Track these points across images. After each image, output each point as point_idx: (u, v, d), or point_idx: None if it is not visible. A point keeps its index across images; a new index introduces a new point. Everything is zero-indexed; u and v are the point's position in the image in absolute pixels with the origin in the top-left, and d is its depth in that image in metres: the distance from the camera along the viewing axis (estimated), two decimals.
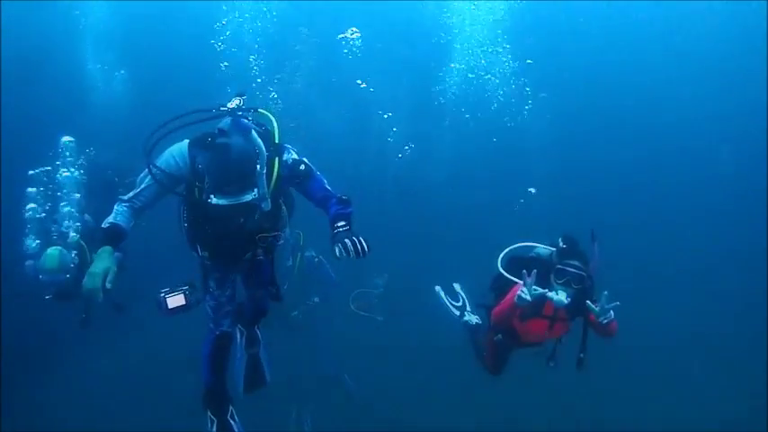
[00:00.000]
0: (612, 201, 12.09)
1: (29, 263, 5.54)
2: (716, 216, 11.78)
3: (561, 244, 4.51)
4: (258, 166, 3.46)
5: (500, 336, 4.89)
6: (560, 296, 4.30)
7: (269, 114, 3.71)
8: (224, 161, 3.36)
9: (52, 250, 5.41)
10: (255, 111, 3.62)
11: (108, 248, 3.40)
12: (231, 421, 4.11)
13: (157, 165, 3.52)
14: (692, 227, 11.90)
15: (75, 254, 5.55)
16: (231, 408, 4.17)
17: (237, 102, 3.49)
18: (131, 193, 3.63)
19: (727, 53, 12.94)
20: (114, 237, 3.49)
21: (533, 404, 8.22)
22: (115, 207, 3.61)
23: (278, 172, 3.62)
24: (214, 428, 4.08)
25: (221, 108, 3.49)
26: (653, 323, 9.32)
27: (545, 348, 4.94)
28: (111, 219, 3.55)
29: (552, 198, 11.13)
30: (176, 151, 3.61)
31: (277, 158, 3.63)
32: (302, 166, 3.69)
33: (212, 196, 3.46)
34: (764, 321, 9.22)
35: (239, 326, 4.57)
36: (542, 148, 11.94)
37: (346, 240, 3.31)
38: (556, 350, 4.89)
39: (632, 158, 12.75)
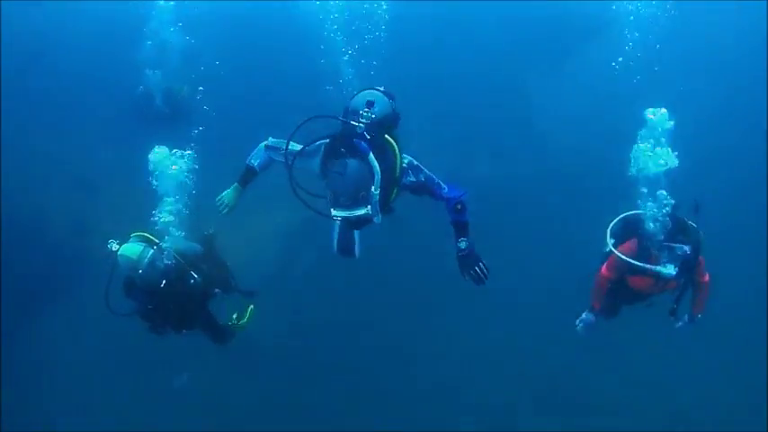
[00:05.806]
0: (612, 200, 12.04)
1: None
2: (715, 215, 11.73)
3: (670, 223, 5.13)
4: (373, 188, 3.68)
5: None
6: (668, 269, 5.02)
7: (393, 143, 3.98)
8: (340, 180, 3.62)
9: (134, 243, 4.60)
10: (382, 136, 3.93)
11: (237, 186, 4.36)
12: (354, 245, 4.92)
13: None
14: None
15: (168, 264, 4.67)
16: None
17: (367, 112, 3.91)
18: (279, 143, 4.08)
19: (727, 51, 12.92)
20: (247, 176, 4.34)
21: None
22: (260, 146, 4.28)
23: (396, 193, 4.07)
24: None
25: (353, 122, 3.85)
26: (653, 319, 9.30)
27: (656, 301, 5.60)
28: (251, 158, 4.30)
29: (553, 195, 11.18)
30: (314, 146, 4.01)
31: (396, 188, 4.04)
32: (417, 184, 4.08)
33: (332, 209, 3.69)
34: (765, 321, 9.23)
35: None
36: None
37: (471, 271, 3.98)
38: (676, 304, 5.61)
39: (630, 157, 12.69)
